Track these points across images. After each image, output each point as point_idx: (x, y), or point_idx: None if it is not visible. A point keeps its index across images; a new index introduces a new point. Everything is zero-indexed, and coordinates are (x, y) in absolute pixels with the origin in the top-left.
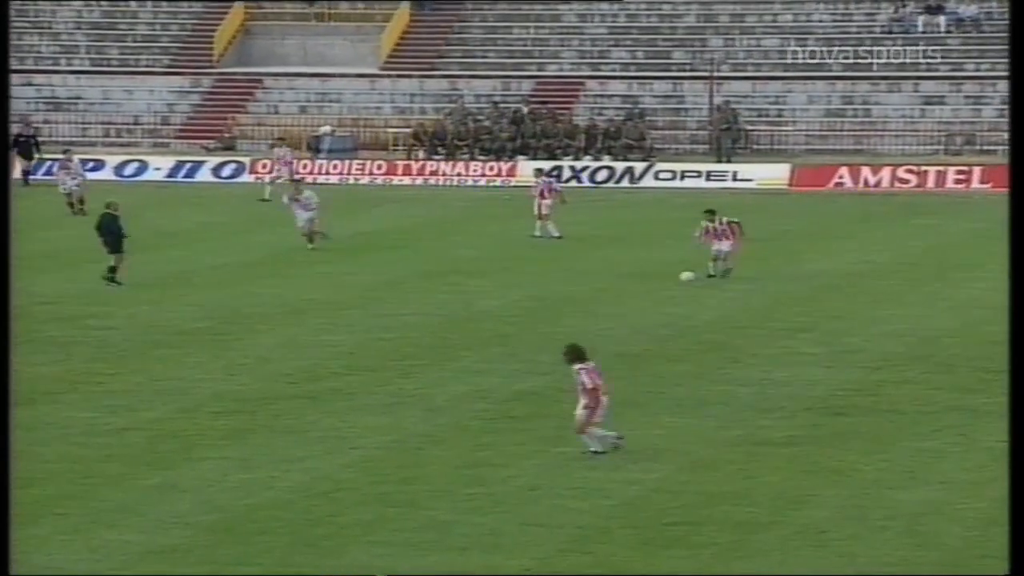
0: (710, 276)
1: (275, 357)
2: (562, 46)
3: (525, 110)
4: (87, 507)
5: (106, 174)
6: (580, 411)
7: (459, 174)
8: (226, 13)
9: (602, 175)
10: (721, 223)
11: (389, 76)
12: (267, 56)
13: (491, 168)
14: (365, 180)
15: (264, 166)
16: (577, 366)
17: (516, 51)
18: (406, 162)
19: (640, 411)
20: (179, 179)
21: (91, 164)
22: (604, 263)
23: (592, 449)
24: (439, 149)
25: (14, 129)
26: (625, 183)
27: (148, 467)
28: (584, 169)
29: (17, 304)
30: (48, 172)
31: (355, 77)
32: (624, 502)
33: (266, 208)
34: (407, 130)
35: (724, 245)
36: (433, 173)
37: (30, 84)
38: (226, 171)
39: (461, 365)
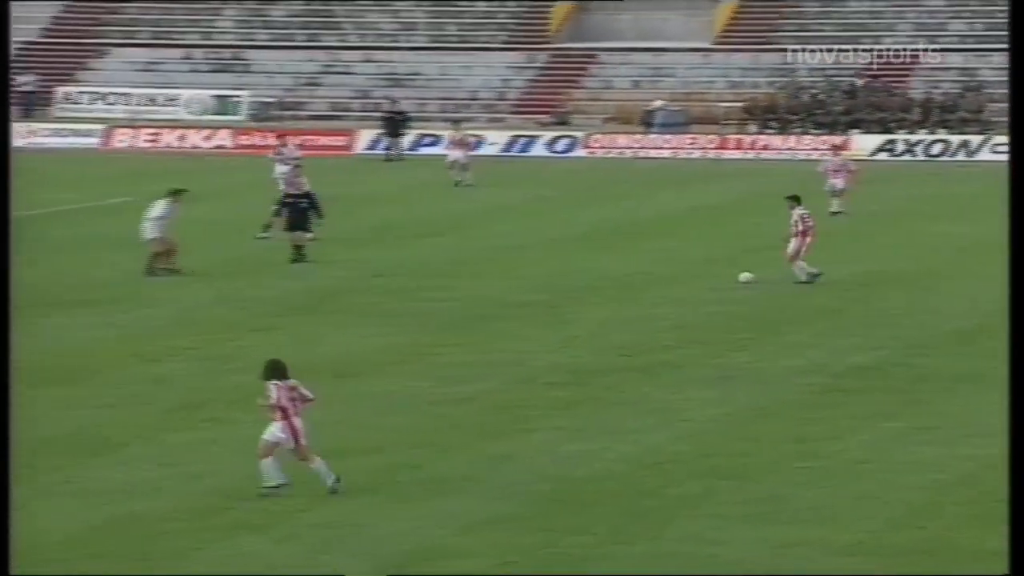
0: None
1: (607, 330)
2: (898, 19)
3: (859, 83)
4: (423, 476)
5: (441, 148)
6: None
7: (791, 148)
8: None
9: (936, 148)
10: None
11: (723, 50)
12: (602, 32)
13: (823, 142)
14: (696, 154)
15: (596, 141)
16: (271, 382)
17: (851, 24)
18: (738, 136)
19: (975, 387)
20: (514, 153)
21: (428, 139)
22: (939, 238)
23: (273, 484)
24: (771, 123)
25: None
26: (960, 156)
27: (483, 437)
28: (919, 143)
29: (352, 276)
30: (421, 147)
31: (688, 52)
32: (958, 478)
33: (595, 182)
34: (739, 104)
35: None
36: (765, 147)
37: (370, 61)
38: (560, 145)
39: (790, 339)
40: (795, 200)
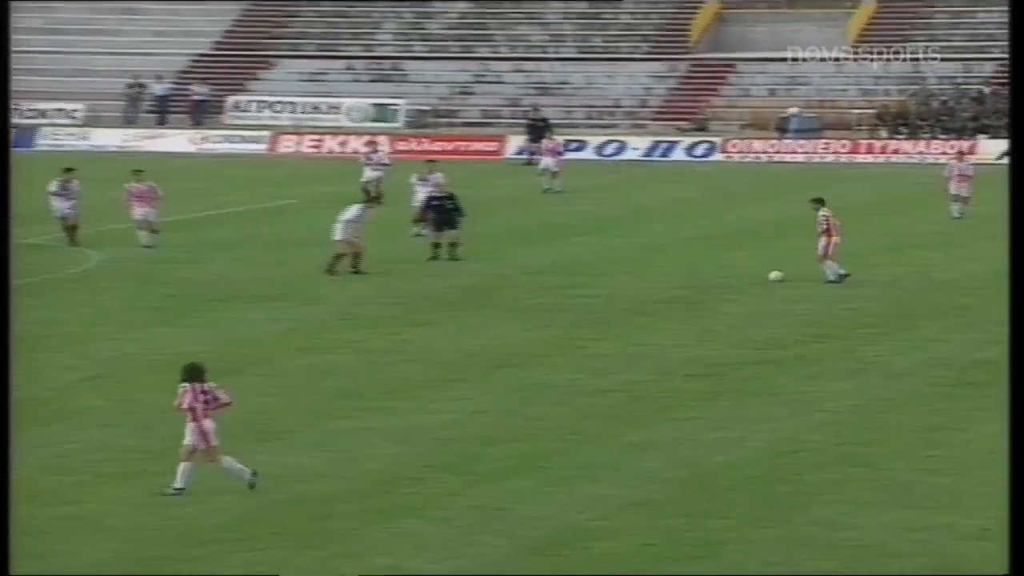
0: None
1: (744, 325)
2: None
3: (987, 91)
4: (569, 462)
5: (587, 154)
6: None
7: (920, 152)
8: (702, 2)
9: None
10: None
11: (855, 60)
12: (739, 42)
13: (951, 147)
14: (829, 159)
15: (734, 146)
16: (183, 384)
17: (980, 34)
18: (869, 141)
19: None
20: (655, 158)
21: (574, 144)
22: None
23: (176, 486)
24: (901, 128)
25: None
26: None
27: (626, 426)
28: None
29: (503, 274)
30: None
31: (822, 61)
32: None
33: (732, 185)
34: (871, 111)
35: None
36: (895, 152)
37: (520, 71)
38: (699, 150)
39: (920, 334)
40: (819, 202)
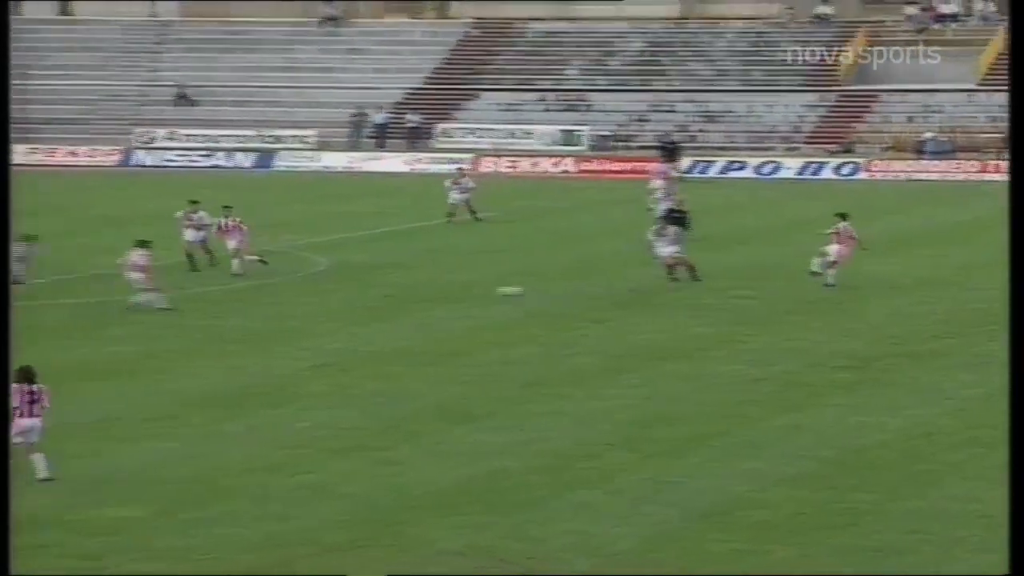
0: None
1: (883, 323)
2: None
3: None
4: (730, 441)
5: (747, 173)
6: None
7: None
8: (850, 40)
9: None
10: None
11: (985, 91)
12: (882, 76)
13: None
14: (960, 177)
15: (876, 166)
16: (14, 384)
17: None
18: (996, 162)
19: None
20: (806, 176)
21: (736, 164)
22: None
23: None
24: None
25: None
26: None
27: (779, 410)
28: None
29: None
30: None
31: (955, 92)
32: None
33: (875, 200)
34: (998, 135)
35: None
36: None
37: (690, 101)
38: (845, 170)
39: None
40: (842, 217)
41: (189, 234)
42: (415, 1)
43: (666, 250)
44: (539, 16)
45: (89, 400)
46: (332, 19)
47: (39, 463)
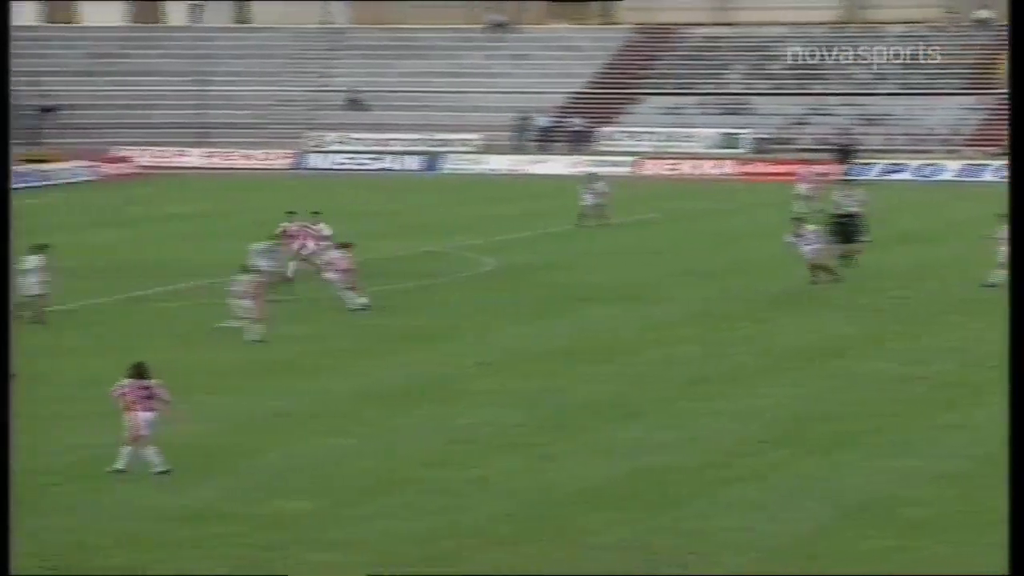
0: None
1: None
2: None
3: None
4: (884, 439)
5: (906, 175)
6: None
7: None
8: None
9: None
10: None
11: None
12: None
13: None
14: None
15: None
16: (127, 381)
17: None
18: None
19: None
20: (966, 178)
21: (896, 167)
22: None
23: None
24: None
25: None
26: None
27: (935, 409)
28: None
29: (868, 276)
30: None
31: None
32: None
33: None
34: None
35: None
36: None
37: (849, 104)
38: (1006, 172)
39: None
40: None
41: None
42: (580, 2)
43: (809, 249)
44: (700, 21)
45: (267, 396)
46: (498, 25)
47: (152, 457)
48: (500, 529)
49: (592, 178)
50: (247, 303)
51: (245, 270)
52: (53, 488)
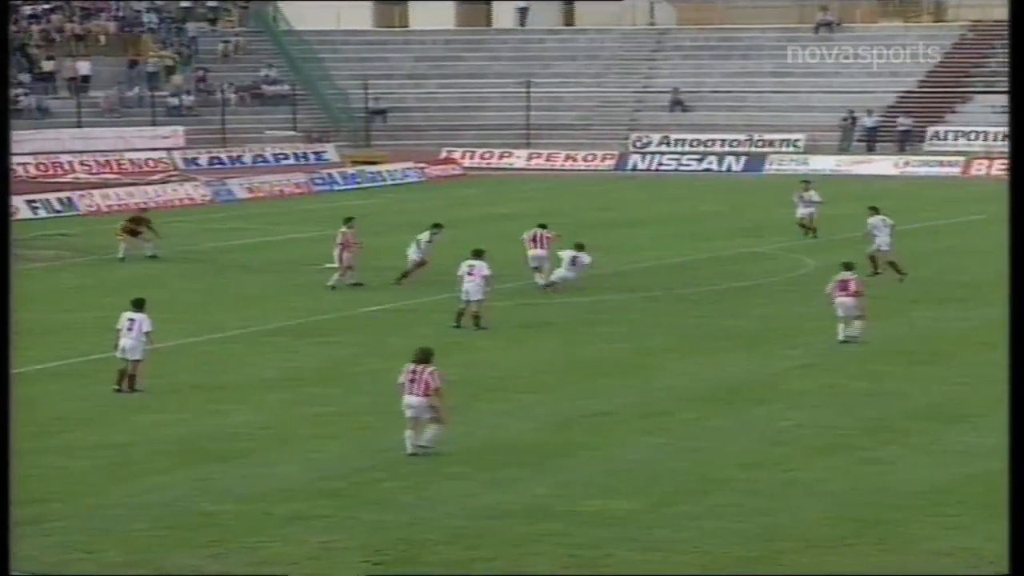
0: None
1: None
2: None
3: None
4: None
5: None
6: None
7: None
8: None
9: None
10: None
11: None
12: None
13: None
14: None
15: None
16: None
17: None
18: None
19: None
20: None
21: None
22: None
23: (415, 449)
24: None
25: None
26: None
27: None
28: None
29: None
30: None
31: None
32: None
33: None
34: None
35: None
36: None
37: None
38: None
39: None
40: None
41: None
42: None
43: None
44: None
45: (590, 395)
46: (827, 24)
47: (427, 437)
48: (821, 532)
49: (804, 187)
50: (849, 300)
51: (846, 266)
52: (381, 484)
